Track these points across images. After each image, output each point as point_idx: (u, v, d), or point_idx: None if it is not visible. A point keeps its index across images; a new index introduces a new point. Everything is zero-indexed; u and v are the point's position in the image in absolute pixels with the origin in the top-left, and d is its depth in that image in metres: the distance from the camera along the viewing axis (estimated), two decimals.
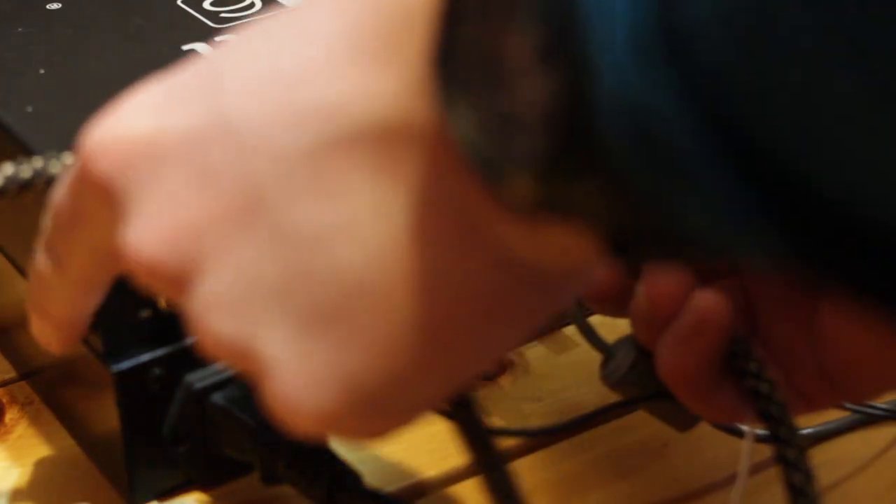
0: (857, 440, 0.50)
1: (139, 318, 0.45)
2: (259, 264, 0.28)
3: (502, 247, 0.27)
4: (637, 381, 0.41)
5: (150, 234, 0.30)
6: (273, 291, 0.28)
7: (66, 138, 0.37)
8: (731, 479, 0.46)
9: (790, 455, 0.38)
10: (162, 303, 0.44)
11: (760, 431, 0.39)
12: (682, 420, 0.44)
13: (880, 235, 0.21)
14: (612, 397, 0.44)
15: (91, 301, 0.37)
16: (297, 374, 0.29)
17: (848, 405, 0.49)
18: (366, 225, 0.27)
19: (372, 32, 0.27)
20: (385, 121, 0.27)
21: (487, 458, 0.34)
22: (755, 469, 0.44)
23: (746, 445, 0.40)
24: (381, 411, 0.29)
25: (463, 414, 0.34)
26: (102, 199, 0.31)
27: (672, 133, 0.21)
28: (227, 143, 0.29)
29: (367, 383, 0.28)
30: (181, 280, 0.30)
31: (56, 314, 0.38)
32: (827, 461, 0.49)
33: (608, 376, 0.42)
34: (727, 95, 0.21)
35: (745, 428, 0.41)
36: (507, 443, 0.49)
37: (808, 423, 0.49)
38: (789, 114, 0.21)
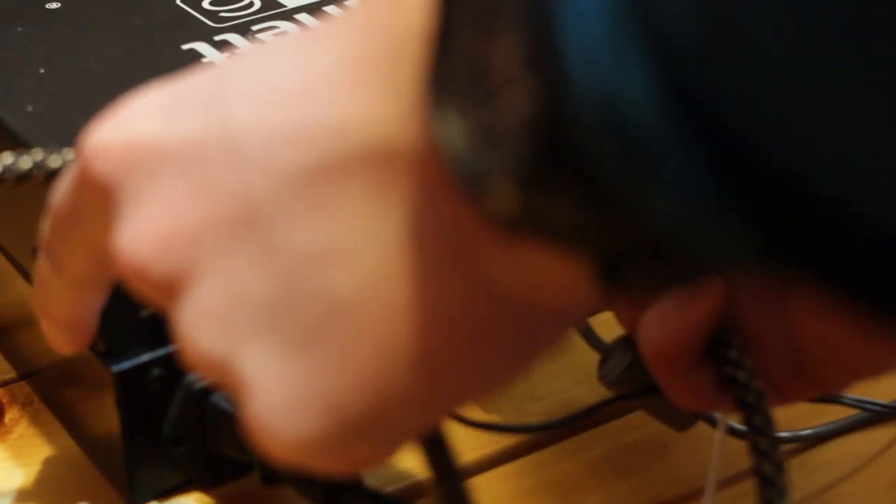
0: (857, 439, 0.50)
1: (139, 318, 0.45)
2: (248, 279, 0.28)
3: (492, 275, 0.27)
4: (634, 380, 0.41)
5: (141, 237, 0.29)
6: (260, 308, 0.28)
7: (66, 137, 0.37)
8: (730, 480, 0.46)
9: (763, 445, 0.38)
10: None
11: (735, 424, 0.39)
12: (680, 419, 0.44)
13: (857, 226, 0.21)
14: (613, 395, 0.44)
15: (92, 302, 0.37)
16: (277, 398, 0.28)
17: (848, 401, 0.49)
18: (358, 247, 0.27)
19: (375, 57, 0.27)
20: (381, 144, 0.27)
21: (450, 488, 0.33)
22: (748, 474, 0.44)
23: (718, 435, 0.40)
24: (365, 439, 0.28)
25: (432, 446, 0.33)
26: (100, 201, 0.31)
27: (645, 120, 0.21)
28: (226, 154, 0.28)
29: (350, 409, 0.28)
30: (170, 287, 0.29)
31: (58, 316, 0.38)
32: (828, 460, 0.49)
33: (605, 376, 0.43)
34: (699, 76, 0.21)
35: (717, 416, 0.41)
36: (507, 442, 0.49)
37: (807, 424, 0.49)
38: (763, 96, 0.20)
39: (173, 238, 0.29)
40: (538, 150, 0.23)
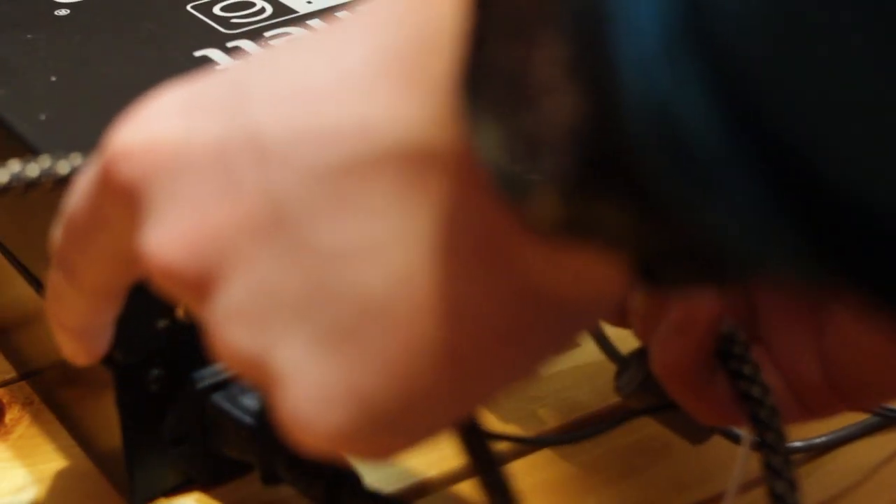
0: (870, 444, 0.50)
1: (145, 321, 0.44)
2: (280, 277, 0.28)
3: (526, 274, 0.27)
4: (651, 392, 0.41)
5: (171, 239, 0.29)
6: (292, 306, 0.28)
7: (81, 145, 0.37)
8: (741, 489, 0.46)
9: (775, 462, 0.37)
10: (180, 313, 0.44)
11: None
12: (696, 433, 0.44)
13: None
14: (614, 396, 0.44)
15: (108, 311, 0.37)
16: (311, 391, 0.28)
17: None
18: (389, 246, 0.27)
19: (402, 54, 0.27)
20: (411, 143, 0.27)
21: (490, 475, 0.34)
22: (758, 483, 0.44)
23: (742, 452, 0.40)
24: (394, 432, 0.29)
25: (468, 433, 0.33)
26: (124, 205, 0.31)
27: (700, 133, 0.21)
28: (251, 153, 0.28)
29: (381, 404, 0.28)
30: (200, 287, 0.30)
31: (73, 325, 0.37)
32: (841, 466, 0.48)
33: (622, 388, 0.42)
34: (757, 93, 0.20)
35: (742, 434, 0.41)
36: (508, 442, 0.49)
37: (819, 430, 0.49)
38: (820, 115, 0.20)
39: (202, 238, 0.29)
40: (584, 160, 0.23)
